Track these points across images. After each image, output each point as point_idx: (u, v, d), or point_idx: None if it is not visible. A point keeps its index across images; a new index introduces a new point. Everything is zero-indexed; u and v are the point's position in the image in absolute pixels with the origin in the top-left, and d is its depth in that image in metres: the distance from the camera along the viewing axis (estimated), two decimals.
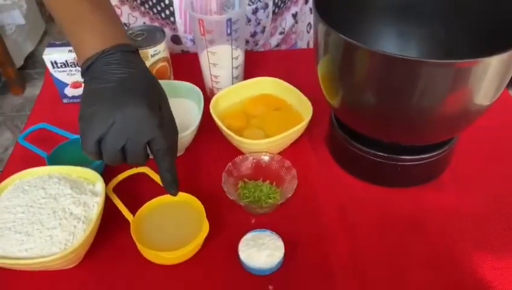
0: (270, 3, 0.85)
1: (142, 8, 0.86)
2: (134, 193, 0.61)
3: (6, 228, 0.51)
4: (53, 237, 0.51)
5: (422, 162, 0.61)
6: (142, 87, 0.52)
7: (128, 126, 0.49)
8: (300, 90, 0.70)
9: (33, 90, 2.22)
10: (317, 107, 0.67)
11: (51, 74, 0.74)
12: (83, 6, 0.54)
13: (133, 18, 0.87)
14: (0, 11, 2.15)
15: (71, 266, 0.54)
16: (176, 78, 0.80)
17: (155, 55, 0.73)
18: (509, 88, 0.76)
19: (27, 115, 2.06)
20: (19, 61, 2.25)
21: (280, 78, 0.73)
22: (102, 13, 0.55)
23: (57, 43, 0.74)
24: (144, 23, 0.87)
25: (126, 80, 0.51)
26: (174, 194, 0.55)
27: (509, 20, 0.56)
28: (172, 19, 0.85)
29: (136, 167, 0.59)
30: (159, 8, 0.84)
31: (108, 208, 0.57)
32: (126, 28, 0.88)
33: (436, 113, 0.52)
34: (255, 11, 0.85)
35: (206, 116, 0.67)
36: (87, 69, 0.53)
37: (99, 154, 0.50)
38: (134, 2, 0.85)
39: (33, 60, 2.36)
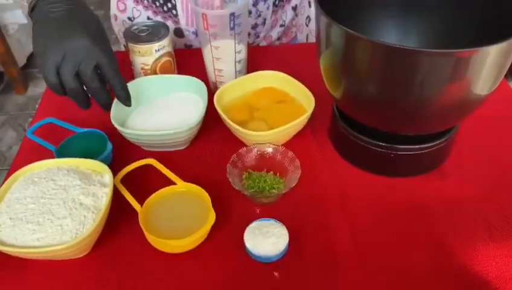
0: None
1: (146, 2, 0.87)
2: (142, 184, 0.62)
3: (18, 218, 0.52)
4: (63, 227, 0.52)
5: (423, 151, 0.62)
6: (81, 20, 0.60)
7: (77, 54, 0.57)
8: (303, 84, 0.71)
9: (36, 89, 2.23)
10: (319, 100, 0.68)
11: None
12: None
13: (137, 12, 0.89)
14: (2, 10, 2.16)
15: (81, 256, 0.56)
16: (179, 73, 0.81)
17: (159, 50, 0.74)
18: (509, 80, 0.77)
19: (30, 113, 2.07)
20: (21, 61, 2.25)
21: (282, 72, 0.74)
22: None
23: None
24: (148, 16, 0.88)
25: (65, 16, 0.59)
26: (129, 105, 0.65)
27: (508, 12, 0.57)
28: (174, 11, 0.86)
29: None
30: (161, 1, 0.85)
31: (116, 199, 0.58)
32: (131, 23, 0.90)
33: (436, 103, 0.53)
34: (255, 3, 0.86)
35: (210, 109, 0.68)
36: (32, 11, 0.61)
37: (60, 84, 0.57)
38: None
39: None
